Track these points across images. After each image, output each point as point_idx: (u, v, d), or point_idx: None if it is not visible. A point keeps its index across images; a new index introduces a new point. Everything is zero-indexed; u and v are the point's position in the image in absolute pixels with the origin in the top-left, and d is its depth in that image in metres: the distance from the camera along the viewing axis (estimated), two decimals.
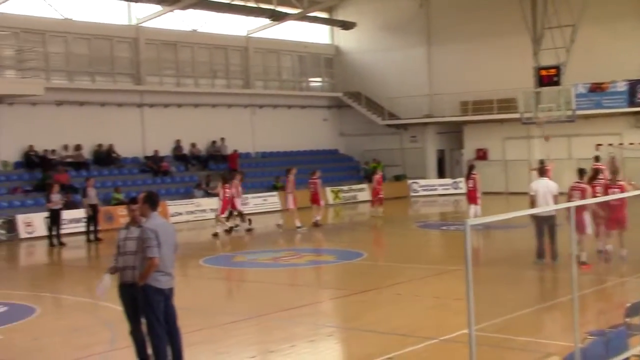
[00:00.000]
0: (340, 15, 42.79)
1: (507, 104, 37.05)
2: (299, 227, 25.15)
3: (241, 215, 25.77)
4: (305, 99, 41.96)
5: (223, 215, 25.25)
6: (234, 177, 25.86)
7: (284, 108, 40.38)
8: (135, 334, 9.23)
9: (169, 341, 9.00)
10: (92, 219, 25.03)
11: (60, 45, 32.70)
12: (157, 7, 34.54)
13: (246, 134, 38.60)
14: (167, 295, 8.93)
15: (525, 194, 17.89)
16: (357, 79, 42.77)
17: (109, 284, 9.28)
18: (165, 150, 35.11)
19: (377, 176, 29.70)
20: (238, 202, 25.58)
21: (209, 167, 35.41)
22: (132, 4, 34.15)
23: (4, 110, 30.13)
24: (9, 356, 10.47)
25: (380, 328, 11.32)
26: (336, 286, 15.97)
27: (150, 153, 34.29)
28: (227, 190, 24.87)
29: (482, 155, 39.42)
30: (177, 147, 35.70)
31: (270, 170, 37.16)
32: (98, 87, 33.47)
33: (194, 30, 37.24)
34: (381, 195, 29.40)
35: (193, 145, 36.08)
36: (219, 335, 11.38)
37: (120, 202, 29.37)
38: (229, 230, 25.30)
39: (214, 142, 36.85)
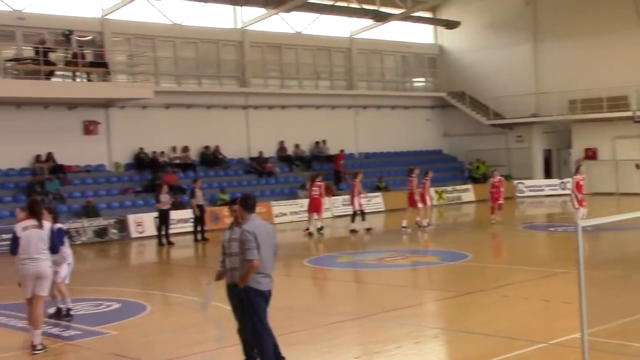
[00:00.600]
0: (444, 15, 42.35)
1: (618, 102, 35.88)
2: (404, 227, 25.09)
3: (362, 214, 25.94)
4: (408, 99, 41.72)
5: (315, 215, 25.67)
6: (317, 177, 26.23)
7: (388, 109, 40.27)
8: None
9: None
10: (199, 219, 25.58)
11: (169, 50, 33.58)
12: (262, 10, 35.04)
13: (349, 134, 38.70)
14: (266, 297, 8.95)
15: (637, 194, 17.26)
16: (461, 79, 42.26)
17: (211, 295, 9.36)
18: (270, 151, 35.57)
19: (495, 180, 27.05)
20: (357, 202, 25.80)
21: (313, 168, 35.64)
22: (238, 8, 34.78)
23: (116, 113, 31.16)
24: (122, 351, 10.79)
25: (486, 330, 11.12)
26: (441, 287, 15.81)
27: (255, 154, 34.80)
28: (314, 189, 25.46)
29: (591, 154, 38.28)
30: (281, 148, 36.11)
31: (373, 170, 37.10)
32: (204, 89, 34.19)
33: (298, 33, 37.58)
34: (501, 202, 26.93)
35: (297, 146, 36.43)
36: (323, 335, 11.41)
37: (225, 203, 29.80)
38: (315, 230, 25.56)
39: (317, 143, 37.08)
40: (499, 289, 14.48)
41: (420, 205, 25.89)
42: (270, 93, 36.17)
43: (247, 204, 8.93)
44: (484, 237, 24.96)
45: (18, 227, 10.98)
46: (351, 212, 26.36)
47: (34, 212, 11.07)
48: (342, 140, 37.65)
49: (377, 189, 35.15)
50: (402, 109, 40.93)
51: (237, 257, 9.13)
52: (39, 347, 10.72)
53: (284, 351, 9.79)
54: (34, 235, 10.88)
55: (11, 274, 14.68)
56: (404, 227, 25.11)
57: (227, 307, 9.63)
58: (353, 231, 25.47)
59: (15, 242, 10.91)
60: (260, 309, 8.86)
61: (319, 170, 34.90)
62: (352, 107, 38.97)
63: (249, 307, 8.87)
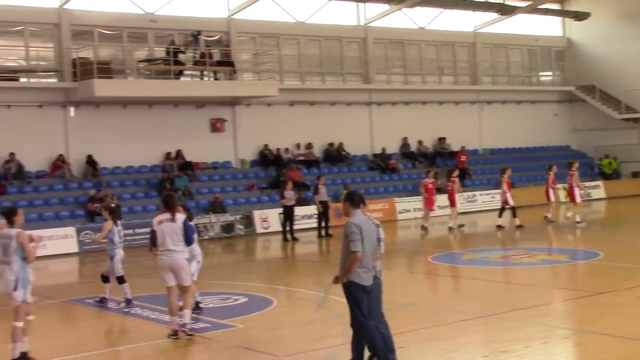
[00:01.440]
0: (573, 6, 41.05)
1: None
2: (578, 223, 24.75)
3: (512, 209, 25.66)
4: (534, 93, 40.70)
5: (432, 210, 25.49)
6: (429, 174, 26.07)
7: (513, 104, 39.42)
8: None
9: (355, 335, 9.09)
10: (323, 215, 25.81)
11: (293, 48, 34.01)
12: (385, 7, 34.97)
13: (473, 130, 38.12)
14: (368, 291, 8.97)
15: None
16: (590, 72, 40.84)
17: (327, 296, 9.43)
18: (393, 147, 35.49)
19: None
20: (509, 197, 25.48)
21: (436, 164, 35.30)
22: (361, 4, 34.85)
23: (242, 111, 31.82)
24: (249, 345, 11.01)
25: (620, 332, 10.71)
26: (570, 287, 15.35)
27: (378, 150, 34.80)
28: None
29: None
30: (405, 144, 35.96)
31: (498, 167, 36.35)
32: (328, 86, 34.44)
33: (421, 28, 37.31)
34: None
35: (420, 142, 36.19)
36: (448, 333, 11.29)
37: None
38: (458, 226, 25.35)
39: (440, 139, 36.71)
40: (634, 289, 13.92)
41: (552, 199, 25.81)
42: (394, 89, 36.06)
43: (353, 200, 9.09)
44: (616, 236, 24.08)
45: (155, 221, 11.48)
46: (499, 207, 26.14)
47: (168, 206, 11.51)
48: (465, 136, 37.14)
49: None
50: (528, 104, 39.98)
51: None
52: (187, 330, 11.34)
53: (408, 348, 9.77)
54: (168, 228, 11.34)
55: (147, 266, 15.27)
56: (578, 222, 24.99)
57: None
58: (499, 227, 25.12)
59: (153, 235, 11.53)
60: (362, 304, 8.90)
61: (442, 166, 34.58)
62: (476, 103, 38.36)
63: (352, 301, 8.94)
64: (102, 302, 14.86)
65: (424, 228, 25.77)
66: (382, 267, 9.48)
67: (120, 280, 14.61)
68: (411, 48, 37.11)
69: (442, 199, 28.39)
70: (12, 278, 10.13)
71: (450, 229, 25.65)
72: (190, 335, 11.38)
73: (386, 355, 9.02)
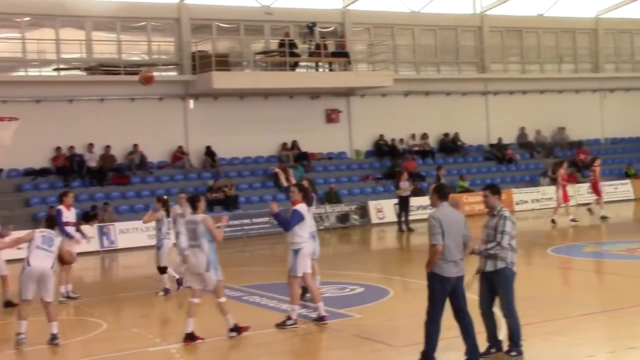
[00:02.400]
0: None
1: None
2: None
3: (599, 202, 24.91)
4: None
5: (563, 204, 24.64)
6: (563, 165, 25.13)
7: (637, 91, 37.88)
8: (486, 317, 9.37)
9: (463, 327, 9.07)
10: (404, 209, 25.41)
11: (407, 38, 33.78)
12: None
13: (594, 119, 36.88)
14: (452, 283, 8.95)
15: None
16: None
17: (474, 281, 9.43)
18: (510, 137, 34.78)
19: None
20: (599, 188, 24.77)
21: (555, 155, 34.39)
22: None
23: (357, 102, 31.85)
24: (366, 334, 11.01)
25: None
26: None
27: (494, 141, 34.18)
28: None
29: None
30: (522, 134, 35.18)
31: (621, 157, 35.19)
32: (443, 76, 34.04)
33: (540, 15, 36.33)
34: None
35: (538, 132, 35.31)
36: (571, 326, 10.97)
37: (465, 190, 29.67)
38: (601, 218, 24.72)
39: (560, 129, 35.71)
40: None
41: None
42: (511, 78, 35.27)
43: (442, 192, 9.19)
44: None
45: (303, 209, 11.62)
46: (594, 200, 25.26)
47: (304, 192, 11.81)
48: (585, 125, 35.99)
49: (626, 175, 33.27)
50: None
51: (485, 244, 9.26)
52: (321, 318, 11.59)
53: (530, 342, 9.55)
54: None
55: (264, 255, 15.51)
56: None
57: (473, 295, 9.51)
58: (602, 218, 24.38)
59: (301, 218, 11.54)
60: (438, 296, 8.95)
61: (562, 157, 33.65)
62: (598, 91, 37.07)
63: (429, 292, 9.03)
64: (166, 292, 15.22)
65: (553, 222, 24.72)
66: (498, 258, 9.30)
67: (162, 270, 14.99)
68: (529, 36, 36.21)
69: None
70: (203, 260, 10.87)
71: (603, 218, 24.84)
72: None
73: (431, 352, 9.03)
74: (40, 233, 11.63)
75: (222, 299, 11.11)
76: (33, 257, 11.34)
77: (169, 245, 15.20)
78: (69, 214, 15.35)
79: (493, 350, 9.34)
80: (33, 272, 11.26)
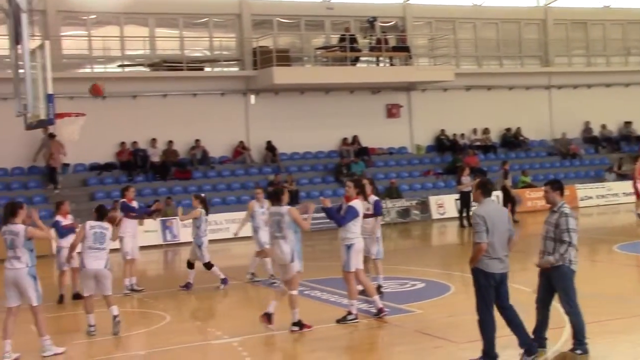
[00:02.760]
0: None
1: None
2: None
3: None
4: None
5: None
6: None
7: None
8: (540, 313, 9.33)
9: (507, 320, 9.08)
10: (465, 205, 25.00)
11: (469, 32, 33.45)
12: None
13: None
14: (497, 280, 8.93)
15: None
16: None
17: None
18: (574, 132, 34.20)
19: None
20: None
21: (621, 150, 33.69)
22: None
23: (417, 96, 31.67)
24: (428, 330, 10.95)
25: None
26: None
27: (558, 135, 33.65)
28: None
29: None
30: (587, 129, 34.54)
31: None
32: (506, 70, 33.61)
33: (606, 7, 35.59)
34: None
35: (603, 126, 34.63)
36: (637, 326, 10.74)
37: (528, 185, 29.28)
38: None
39: (626, 123, 34.94)
40: None
41: None
42: (575, 72, 34.65)
43: (485, 189, 9.12)
44: None
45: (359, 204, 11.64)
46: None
47: (360, 189, 11.82)
48: None
49: None
50: None
51: (546, 240, 9.15)
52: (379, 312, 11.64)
53: (594, 340, 9.38)
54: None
55: (325, 250, 15.54)
56: None
57: (528, 290, 9.41)
58: None
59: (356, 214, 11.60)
60: (485, 292, 8.95)
61: (628, 152, 32.99)
62: None
63: (475, 288, 9.05)
64: (187, 286, 15.38)
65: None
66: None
67: (208, 266, 15.24)
68: (594, 28, 35.51)
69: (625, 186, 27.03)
70: (288, 251, 11.02)
71: None
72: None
73: (491, 348, 8.99)
74: (91, 230, 11.84)
75: (295, 292, 11.19)
76: (86, 258, 11.72)
77: (206, 243, 15.38)
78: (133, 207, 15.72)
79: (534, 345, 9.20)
80: (88, 274, 11.71)
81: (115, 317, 11.71)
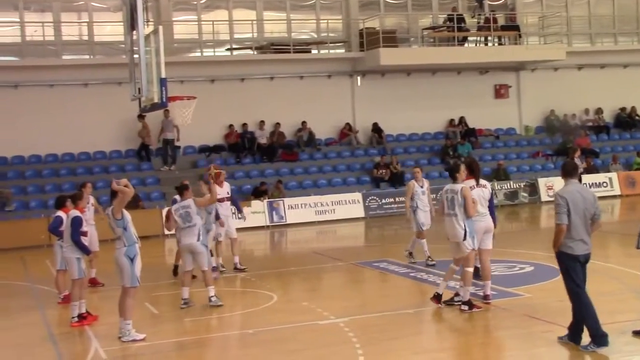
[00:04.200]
0: None
1: None
2: None
3: None
4: None
5: None
6: None
7: None
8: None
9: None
10: None
11: (583, 9, 32.44)
12: None
13: None
14: (581, 262, 8.92)
15: None
16: None
17: None
18: None
19: None
20: None
21: None
22: None
23: (527, 76, 30.98)
24: (536, 314, 10.76)
25: None
26: None
27: None
28: None
29: None
30: None
31: None
32: (621, 48, 32.44)
33: None
34: None
35: None
36: None
37: None
38: None
39: None
40: None
41: None
42: None
43: (566, 170, 9.10)
44: None
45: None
46: None
47: (473, 171, 11.65)
48: None
49: None
50: None
51: None
52: (488, 299, 11.54)
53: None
54: (477, 194, 11.45)
55: (432, 232, 15.47)
56: None
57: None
58: None
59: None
60: (574, 274, 8.95)
61: None
62: None
63: (564, 271, 9.02)
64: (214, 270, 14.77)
65: None
66: None
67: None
68: None
69: None
70: (460, 229, 11.06)
71: None
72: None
73: (597, 327, 8.83)
74: (176, 213, 12.41)
75: (470, 269, 11.18)
76: (181, 235, 12.49)
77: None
78: (220, 191, 15.41)
79: None
80: (184, 248, 12.48)
81: (210, 297, 12.19)
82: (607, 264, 14.27)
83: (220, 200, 15.19)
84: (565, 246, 8.91)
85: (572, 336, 9.15)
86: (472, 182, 11.54)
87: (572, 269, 8.98)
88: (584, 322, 8.97)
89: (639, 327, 9.31)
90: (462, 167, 11.40)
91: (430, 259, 15.15)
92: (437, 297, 11.39)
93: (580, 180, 23.81)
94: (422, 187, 15.32)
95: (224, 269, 15.75)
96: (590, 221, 8.99)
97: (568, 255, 8.95)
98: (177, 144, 26.87)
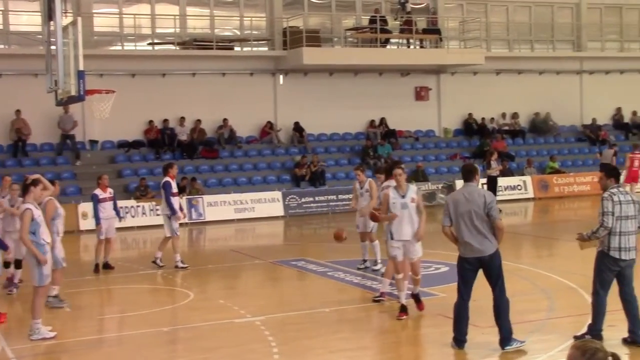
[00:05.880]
0: None
1: None
2: None
3: None
4: None
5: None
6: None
7: None
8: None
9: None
10: (492, 190, 24.95)
11: (501, 15, 33.13)
12: None
13: None
14: (471, 264, 9.14)
15: None
16: None
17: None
18: (604, 118, 33.84)
19: None
20: None
21: None
22: None
23: (447, 79, 31.48)
24: (450, 314, 10.91)
25: None
26: None
27: (588, 121, 33.32)
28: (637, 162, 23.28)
29: None
30: (618, 115, 34.15)
31: None
32: (537, 54, 33.29)
33: None
34: None
35: (634, 113, 34.22)
36: None
37: (555, 171, 29.04)
38: None
39: None
40: None
41: None
42: (608, 57, 34.23)
43: (462, 173, 9.39)
44: None
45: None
46: None
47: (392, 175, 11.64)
48: None
49: None
50: None
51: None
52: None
53: (619, 327, 9.33)
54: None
55: (352, 232, 15.55)
56: None
57: (558, 277, 9.36)
58: None
59: None
60: (460, 276, 9.28)
61: None
62: None
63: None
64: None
65: None
66: None
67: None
68: (630, 13, 35.02)
69: None
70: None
71: None
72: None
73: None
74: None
75: (400, 275, 11.07)
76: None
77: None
78: (175, 186, 15.82)
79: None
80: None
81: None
82: (519, 265, 14.61)
83: (103, 200, 15.46)
84: (458, 248, 9.21)
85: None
86: (392, 182, 11.67)
87: (459, 271, 9.26)
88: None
89: (551, 326, 9.51)
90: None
91: (370, 263, 14.62)
92: (403, 310, 10.96)
93: (495, 182, 24.29)
94: (362, 187, 14.96)
95: (185, 265, 15.71)
96: (485, 223, 9.08)
97: (459, 256, 9.26)
98: (94, 138, 26.42)
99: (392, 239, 10.75)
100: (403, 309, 10.80)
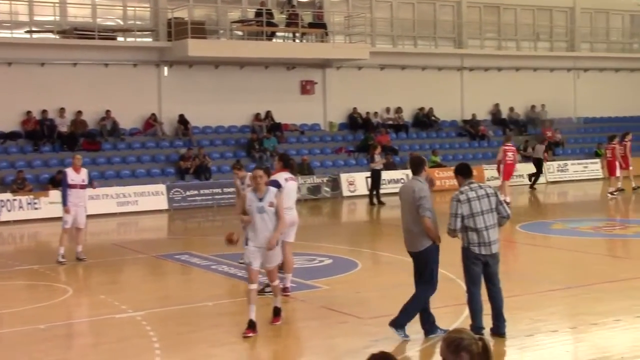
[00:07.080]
0: None
1: None
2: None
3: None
4: (635, 61, 39.19)
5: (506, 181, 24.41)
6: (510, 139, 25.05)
7: (611, 71, 38.04)
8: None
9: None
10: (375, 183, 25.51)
11: (386, 11, 33.64)
12: None
13: (567, 98, 37.02)
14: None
15: None
16: None
17: None
18: (483, 114, 34.89)
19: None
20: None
21: (528, 132, 34.58)
22: None
23: (332, 74, 31.73)
24: (334, 306, 11.04)
25: None
26: None
27: (468, 117, 34.28)
28: (509, 154, 24.01)
29: None
30: (496, 111, 35.29)
31: (592, 136, 35.46)
32: (420, 51, 33.99)
33: None
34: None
35: (511, 109, 35.45)
36: (537, 302, 11.10)
37: (437, 165, 29.73)
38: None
39: (533, 107, 35.86)
40: None
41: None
42: (487, 55, 35.31)
43: (410, 166, 9.61)
44: None
45: (281, 178, 11.22)
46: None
47: (288, 164, 11.81)
48: (559, 104, 36.13)
49: (596, 155, 33.53)
50: (627, 72, 38.54)
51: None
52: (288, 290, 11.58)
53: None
54: (292, 187, 11.64)
55: (235, 225, 15.47)
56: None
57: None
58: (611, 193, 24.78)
59: None
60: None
61: (534, 134, 33.91)
62: (572, 70, 37.22)
63: None
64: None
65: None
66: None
67: None
68: (507, 12, 36.21)
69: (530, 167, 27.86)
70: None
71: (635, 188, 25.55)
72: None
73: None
74: None
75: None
76: None
77: None
78: (75, 177, 15.30)
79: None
80: None
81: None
82: (399, 257, 14.89)
83: (73, 187, 15.10)
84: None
85: (423, 325, 9.44)
86: (287, 174, 11.65)
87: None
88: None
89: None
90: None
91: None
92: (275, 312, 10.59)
93: (379, 175, 24.69)
94: (243, 183, 14.73)
95: (64, 260, 15.14)
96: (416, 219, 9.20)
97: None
98: None
99: (246, 244, 10.01)
100: (251, 325, 9.83)
